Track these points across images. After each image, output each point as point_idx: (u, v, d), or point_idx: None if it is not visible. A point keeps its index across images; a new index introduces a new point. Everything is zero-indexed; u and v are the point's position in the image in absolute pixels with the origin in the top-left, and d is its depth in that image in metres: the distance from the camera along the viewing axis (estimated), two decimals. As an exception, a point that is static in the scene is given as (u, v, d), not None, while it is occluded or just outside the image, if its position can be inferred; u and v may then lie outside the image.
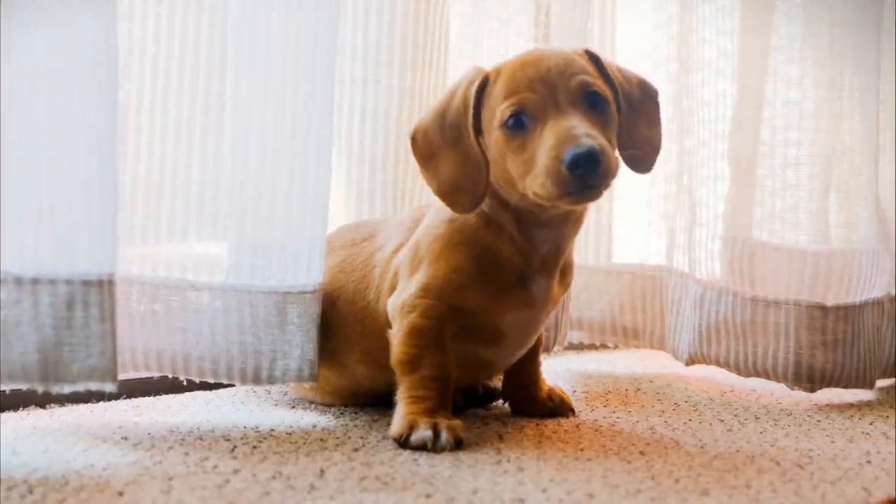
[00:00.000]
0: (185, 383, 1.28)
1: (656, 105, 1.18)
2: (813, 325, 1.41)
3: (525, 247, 1.13)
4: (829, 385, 1.42)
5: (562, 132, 1.02)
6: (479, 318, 1.13)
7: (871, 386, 1.45)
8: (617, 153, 1.10)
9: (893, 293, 1.51)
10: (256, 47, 1.15)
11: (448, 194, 1.11)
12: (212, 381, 1.18)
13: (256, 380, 1.17)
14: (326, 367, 1.21)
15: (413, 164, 1.40)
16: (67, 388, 1.00)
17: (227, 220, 1.18)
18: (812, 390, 1.42)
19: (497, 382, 1.33)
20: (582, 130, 1.02)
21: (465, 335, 1.14)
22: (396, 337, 1.13)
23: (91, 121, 1.01)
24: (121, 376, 1.27)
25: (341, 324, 1.20)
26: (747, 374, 1.46)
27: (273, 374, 1.17)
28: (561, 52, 1.10)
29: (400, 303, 1.13)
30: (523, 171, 1.05)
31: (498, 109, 1.07)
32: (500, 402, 1.31)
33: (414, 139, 1.14)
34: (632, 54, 1.65)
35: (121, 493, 0.88)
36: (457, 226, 1.14)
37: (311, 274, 1.18)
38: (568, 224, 1.14)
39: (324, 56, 1.16)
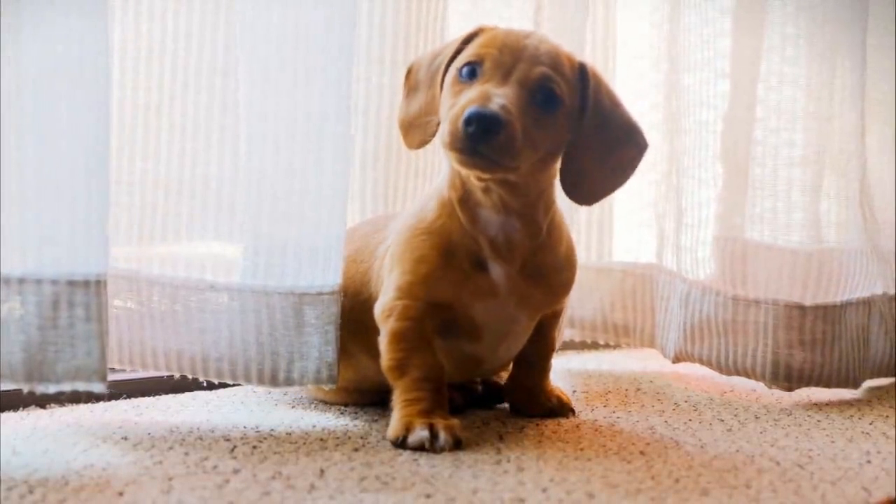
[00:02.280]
0: (186, 383, 1.28)
1: (636, 156, 1.15)
2: (790, 325, 1.41)
3: (471, 227, 1.12)
4: (807, 384, 1.42)
5: (483, 92, 1.04)
6: (455, 310, 1.13)
7: (855, 386, 1.45)
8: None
9: (891, 293, 1.51)
10: (271, 44, 1.15)
11: (406, 128, 1.16)
12: (230, 382, 1.19)
13: (274, 381, 1.17)
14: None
15: (405, 161, 1.42)
16: (52, 388, 1.00)
17: (243, 218, 1.18)
18: (790, 389, 1.43)
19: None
20: (499, 99, 1.02)
21: (447, 331, 1.14)
22: (382, 343, 1.13)
23: (80, 120, 1.01)
24: (123, 376, 1.29)
25: (350, 313, 1.20)
26: (728, 373, 1.46)
27: (290, 375, 1.17)
28: (550, 44, 1.10)
29: (381, 308, 1.14)
30: (444, 118, 1.07)
31: (463, 55, 1.09)
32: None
33: (409, 71, 1.18)
34: (630, 54, 1.65)
35: (121, 493, 0.88)
36: (418, 217, 1.15)
37: (328, 274, 1.17)
38: (510, 215, 1.12)
39: (339, 53, 1.16)
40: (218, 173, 1.19)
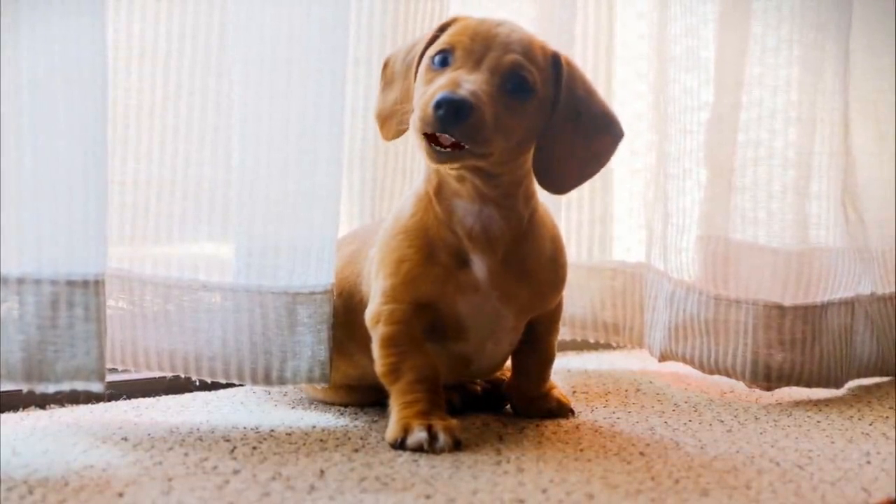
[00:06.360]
0: (185, 383, 1.28)
1: (611, 145, 1.15)
2: (770, 325, 1.42)
3: (447, 218, 1.12)
4: (787, 384, 1.42)
5: (452, 78, 1.04)
6: (440, 309, 1.13)
7: (836, 385, 1.45)
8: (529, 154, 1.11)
9: (878, 293, 1.51)
10: (264, 45, 1.15)
11: (382, 119, 1.17)
12: (223, 381, 1.19)
13: (267, 380, 1.18)
14: (338, 356, 1.21)
15: (391, 160, 1.42)
16: (52, 388, 1.00)
17: (237, 219, 1.18)
18: (769, 389, 1.43)
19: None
20: (468, 85, 1.03)
21: (434, 332, 1.14)
22: (375, 349, 1.13)
23: (78, 120, 1.01)
24: (123, 376, 1.29)
25: (346, 314, 1.21)
26: (710, 372, 1.46)
27: (283, 374, 1.18)
28: (523, 32, 1.11)
29: (370, 314, 1.14)
30: (416, 105, 1.07)
31: (435, 44, 1.10)
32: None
33: (386, 64, 1.18)
34: (630, 54, 1.65)
35: (121, 494, 0.88)
36: (395, 217, 1.15)
37: (320, 274, 1.18)
38: (487, 204, 1.11)
39: (333, 54, 1.16)
40: (211, 174, 1.19)
